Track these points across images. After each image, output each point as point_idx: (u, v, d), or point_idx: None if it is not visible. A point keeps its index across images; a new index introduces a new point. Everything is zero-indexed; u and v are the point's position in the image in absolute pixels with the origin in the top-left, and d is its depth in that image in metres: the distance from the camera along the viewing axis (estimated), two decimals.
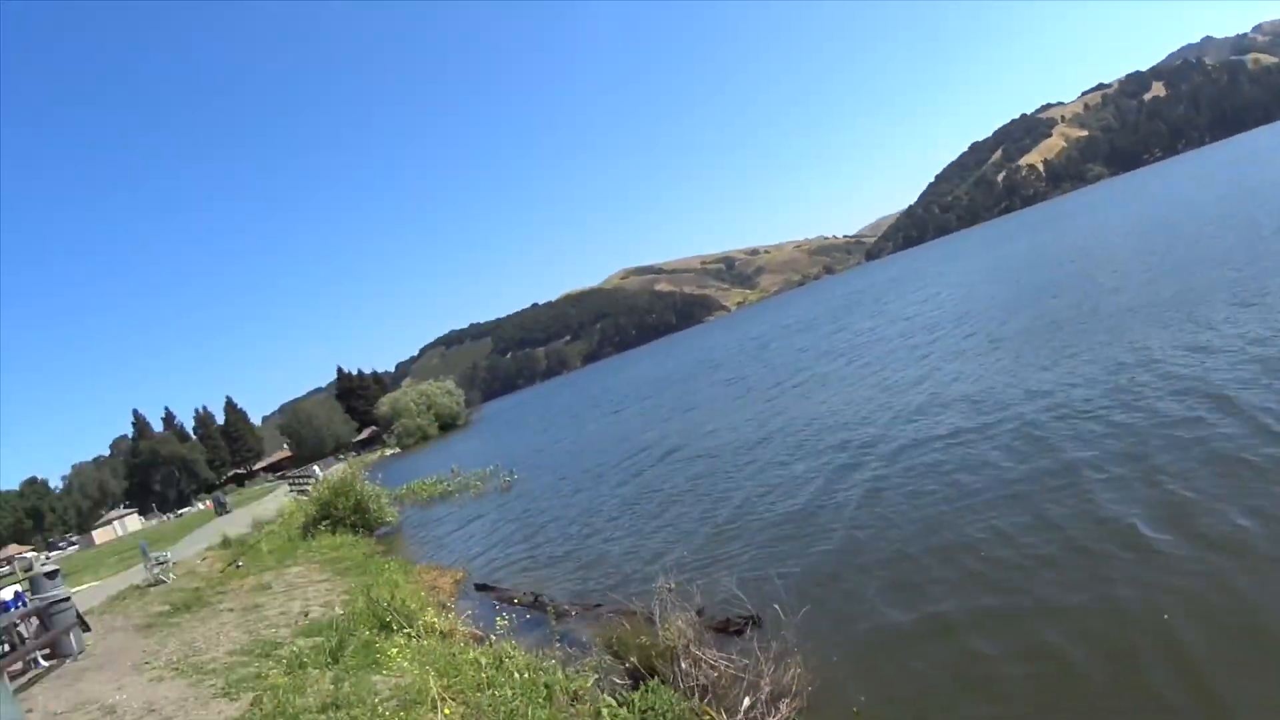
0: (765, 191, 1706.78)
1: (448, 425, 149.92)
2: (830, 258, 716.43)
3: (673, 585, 12.80)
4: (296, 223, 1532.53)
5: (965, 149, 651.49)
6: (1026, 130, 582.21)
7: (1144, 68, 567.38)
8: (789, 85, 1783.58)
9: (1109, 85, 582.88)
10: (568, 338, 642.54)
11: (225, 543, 36.56)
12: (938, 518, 15.14)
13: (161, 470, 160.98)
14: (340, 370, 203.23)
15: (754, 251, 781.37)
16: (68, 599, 18.02)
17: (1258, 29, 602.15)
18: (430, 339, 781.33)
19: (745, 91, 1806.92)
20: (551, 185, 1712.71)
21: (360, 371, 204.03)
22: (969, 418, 21.52)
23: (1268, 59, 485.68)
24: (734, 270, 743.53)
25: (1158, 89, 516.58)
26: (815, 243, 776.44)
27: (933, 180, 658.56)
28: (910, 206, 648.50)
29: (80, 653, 17.33)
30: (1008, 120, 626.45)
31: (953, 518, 14.85)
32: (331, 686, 11.94)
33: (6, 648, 16.78)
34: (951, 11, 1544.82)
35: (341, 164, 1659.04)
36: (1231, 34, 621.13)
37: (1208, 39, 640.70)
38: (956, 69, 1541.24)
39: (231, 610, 20.84)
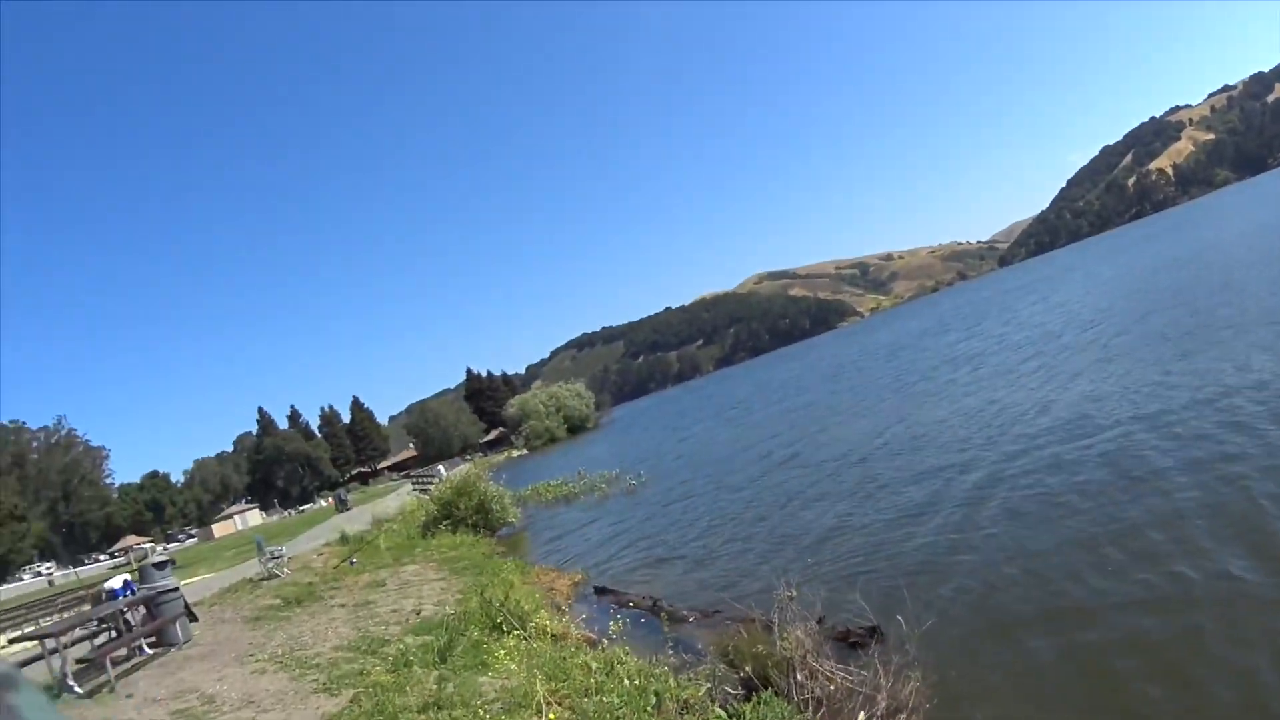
0: (899, 196, 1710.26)
1: (576, 428, 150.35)
2: (964, 263, 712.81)
3: (794, 593, 12.29)
4: (431, 224, 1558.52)
5: (1096, 153, 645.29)
6: (1156, 133, 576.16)
7: (1267, 68, 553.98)
8: (922, 87, 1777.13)
9: (1234, 87, 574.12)
10: (700, 342, 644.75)
11: (343, 539, 36.92)
12: (1075, 537, 14.41)
13: (285, 467, 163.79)
14: (469, 371, 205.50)
15: (887, 257, 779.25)
16: (176, 589, 18.21)
17: None
18: (561, 342, 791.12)
19: (880, 94, 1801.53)
20: (688, 189, 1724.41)
21: (489, 373, 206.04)
22: (1104, 432, 20.55)
23: None
24: (868, 276, 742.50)
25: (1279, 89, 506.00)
26: (948, 248, 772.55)
27: (1064, 185, 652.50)
28: (1043, 212, 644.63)
29: (186, 642, 17.54)
30: (1137, 123, 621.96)
31: (1092, 538, 14.08)
32: (435, 686, 11.69)
33: (114, 634, 17.13)
34: (1081, 11, 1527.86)
35: (481, 165, 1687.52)
36: None
37: None
38: (1087, 70, 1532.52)
39: (343, 606, 20.89)
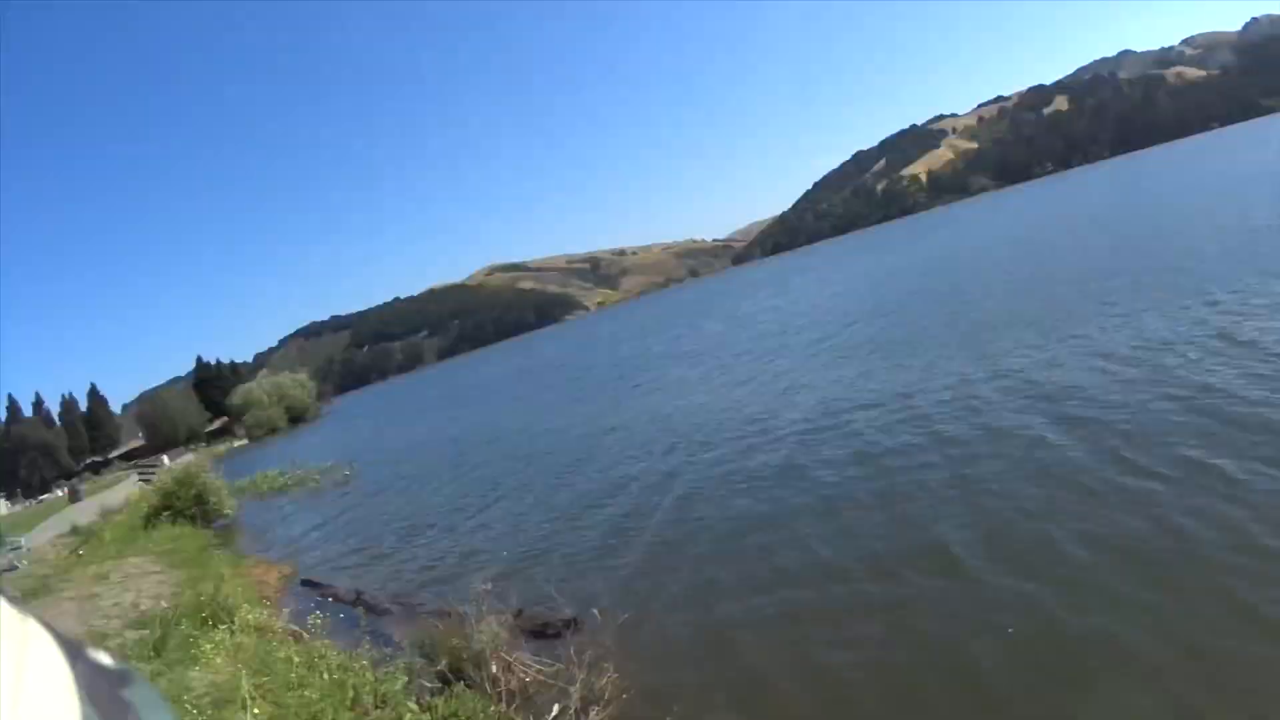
0: (638, 192, 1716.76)
1: (298, 418, 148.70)
2: (697, 261, 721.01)
3: (488, 586, 12.80)
4: (167, 201, 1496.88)
5: (848, 157, 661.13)
6: (914, 141, 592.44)
7: (1049, 81, 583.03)
8: (664, 85, 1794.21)
9: (1008, 98, 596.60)
10: (425, 333, 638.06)
11: (74, 530, 36.16)
12: (764, 528, 15.21)
13: (28, 455, 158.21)
14: (200, 359, 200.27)
15: (620, 252, 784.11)
16: None
17: (1188, 42, 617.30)
18: (291, 330, 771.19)
19: (619, 90, 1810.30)
20: (425, 180, 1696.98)
21: (219, 361, 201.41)
22: (804, 426, 21.94)
23: (1193, 73, 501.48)
24: (599, 270, 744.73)
25: (1060, 103, 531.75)
26: (683, 245, 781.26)
27: (810, 187, 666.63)
28: (784, 213, 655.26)
29: None
30: (896, 131, 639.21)
31: (780, 530, 14.88)
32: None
33: None
34: (842, 18, 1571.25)
35: (213, 150, 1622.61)
36: (1156, 47, 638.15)
37: (1126, 53, 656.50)
38: (848, 77, 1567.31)
39: (71, 599, 20.83)
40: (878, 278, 68.30)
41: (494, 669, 10.97)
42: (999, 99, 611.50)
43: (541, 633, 12.90)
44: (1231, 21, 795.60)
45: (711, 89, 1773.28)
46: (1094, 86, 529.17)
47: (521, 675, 11.14)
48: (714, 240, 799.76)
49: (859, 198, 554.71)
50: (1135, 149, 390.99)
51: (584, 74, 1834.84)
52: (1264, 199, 43.79)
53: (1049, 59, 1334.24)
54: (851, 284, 69.11)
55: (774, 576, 12.97)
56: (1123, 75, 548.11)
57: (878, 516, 14.18)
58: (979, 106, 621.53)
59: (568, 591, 13.82)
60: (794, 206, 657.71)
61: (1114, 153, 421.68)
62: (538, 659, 11.53)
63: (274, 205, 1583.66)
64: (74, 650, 0.81)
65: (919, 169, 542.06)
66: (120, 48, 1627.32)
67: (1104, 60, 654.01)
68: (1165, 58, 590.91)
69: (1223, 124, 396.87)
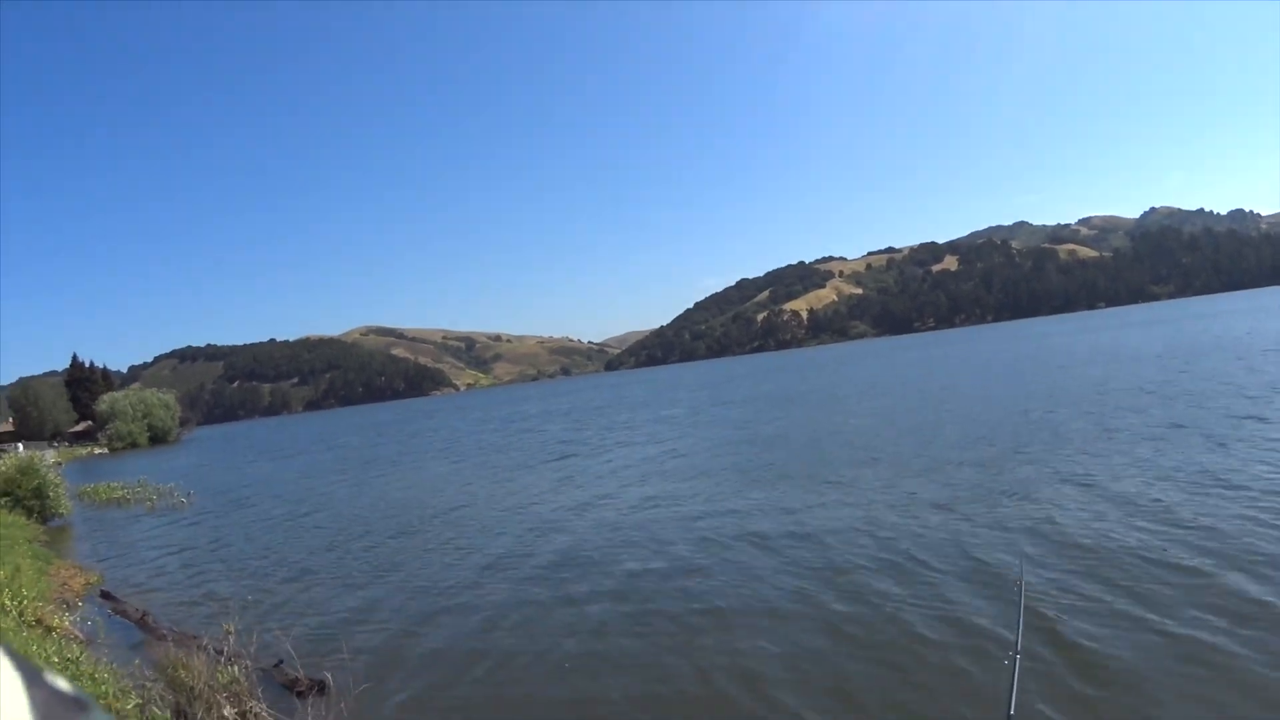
0: (521, 281, 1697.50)
1: (158, 438, 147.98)
2: (570, 359, 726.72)
3: (232, 629, 13.64)
4: (64, 197, 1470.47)
5: (733, 283, 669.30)
6: (800, 277, 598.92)
7: (941, 240, 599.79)
8: (558, 185, 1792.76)
9: (899, 250, 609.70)
10: (295, 380, 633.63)
11: None
12: (536, 622, 15.71)
13: None
14: (75, 358, 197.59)
15: (497, 338, 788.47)
16: None
17: (1085, 221, 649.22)
18: (168, 349, 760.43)
19: (520, 180, 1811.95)
20: (316, 222, 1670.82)
21: (93, 364, 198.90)
22: (587, 534, 23.13)
23: (1087, 252, 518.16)
24: (473, 351, 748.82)
25: (950, 262, 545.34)
26: (560, 342, 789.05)
27: (691, 306, 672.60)
28: (662, 327, 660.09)
29: None
30: (785, 264, 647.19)
31: (549, 625, 15.46)
32: None
33: None
34: (743, 149, 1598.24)
35: (118, 154, 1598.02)
36: (1053, 222, 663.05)
37: (1022, 223, 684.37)
38: (740, 207, 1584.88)
39: None
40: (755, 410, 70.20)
41: (225, 711, 11.34)
42: (890, 249, 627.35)
43: (291, 688, 13.14)
44: (1131, 209, 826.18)
45: (607, 195, 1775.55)
46: (986, 251, 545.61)
47: None
48: (589, 342, 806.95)
49: (738, 324, 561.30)
50: (1018, 316, 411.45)
51: (480, 156, 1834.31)
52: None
53: (945, 220, 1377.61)
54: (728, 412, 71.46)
55: (532, 673, 13.38)
56: (1016, 244, 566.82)
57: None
58: (869, 254, 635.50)
59: (321, 650, 14.64)
60: (673, 322, 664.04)
61: (997, 317, 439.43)
62: (273, 711, 11.84)
63: (168, 219, 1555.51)
64: (31, 675, 0.80)
65: (801, 305, 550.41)
66: None
67: (999, 228, 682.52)
68: (1060, 233, 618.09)
69: (1110, 304, 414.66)
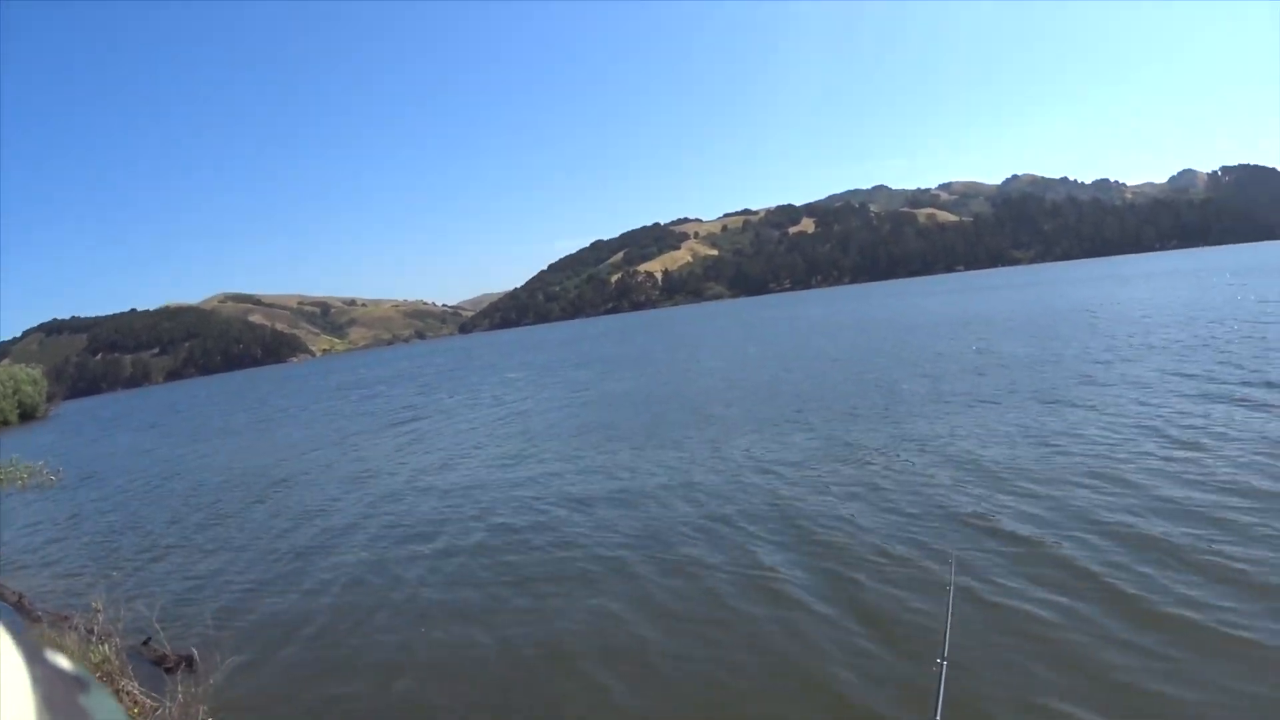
0: (374, 244, 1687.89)
1: (28, 414, 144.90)
2: (424, 323, 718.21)
3: (99, 606, 13.70)
4: None
5: (588, 244, 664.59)
6: (655, 239, 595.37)
7: (799, 202, 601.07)
8: (414, 146, 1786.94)
9: (755, 212, 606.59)
10: (156, 350, 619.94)
11: None
12: (403, 598, 15.81)
13: None
14: None
15: (351, 302, 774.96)
16: None
17: (945, 186, 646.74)
18: (35, 323, 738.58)
19: (376, 139, 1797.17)
20: (171, 185, 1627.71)
21: None
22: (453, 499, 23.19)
23: (946, 216, 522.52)
24: (328, 316, 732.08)
25: (807, 225, 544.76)
26: (413, 305, 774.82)
27: (545, 268, 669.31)
28: (516, 290, 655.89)
29: None
30: (639, 226, 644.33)
31: (417, 599, 15.57)
32: None
33: None
34: (604, 109, 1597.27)
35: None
36: (913, 187, 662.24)
37: (880, 187, 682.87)
38: (597, 166, 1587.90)
39: None
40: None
41: None
42: (746, 211, 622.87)
43: (160, 664, 13.16)
44: (994, 176, 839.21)
45: (457, 153, 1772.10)
46: (844, 213, 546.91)
47: (130, 705, 11.35)
48: (444, 305, 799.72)
49: (592, 286, 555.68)
50: (875, 279, 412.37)
51: (330, 116, 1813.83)
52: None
53: (803, 183, 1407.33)
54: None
55: (391, 641, 13.70)
56: (874, 207, 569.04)
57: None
58: (725, 216, 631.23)
59: (193, 626, 14.86)
60: (526, 285, 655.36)
61: (854, 279, 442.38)
62: (143, 689, 11.78)
63: (32, 189, 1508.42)
64: (32, 653, 0.79)
65: (656, 267, 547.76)
66: None
67: (858, 191, 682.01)
68: (920, 198, 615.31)
69: (969, 268, 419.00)
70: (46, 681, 0.83)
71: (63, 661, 0.90)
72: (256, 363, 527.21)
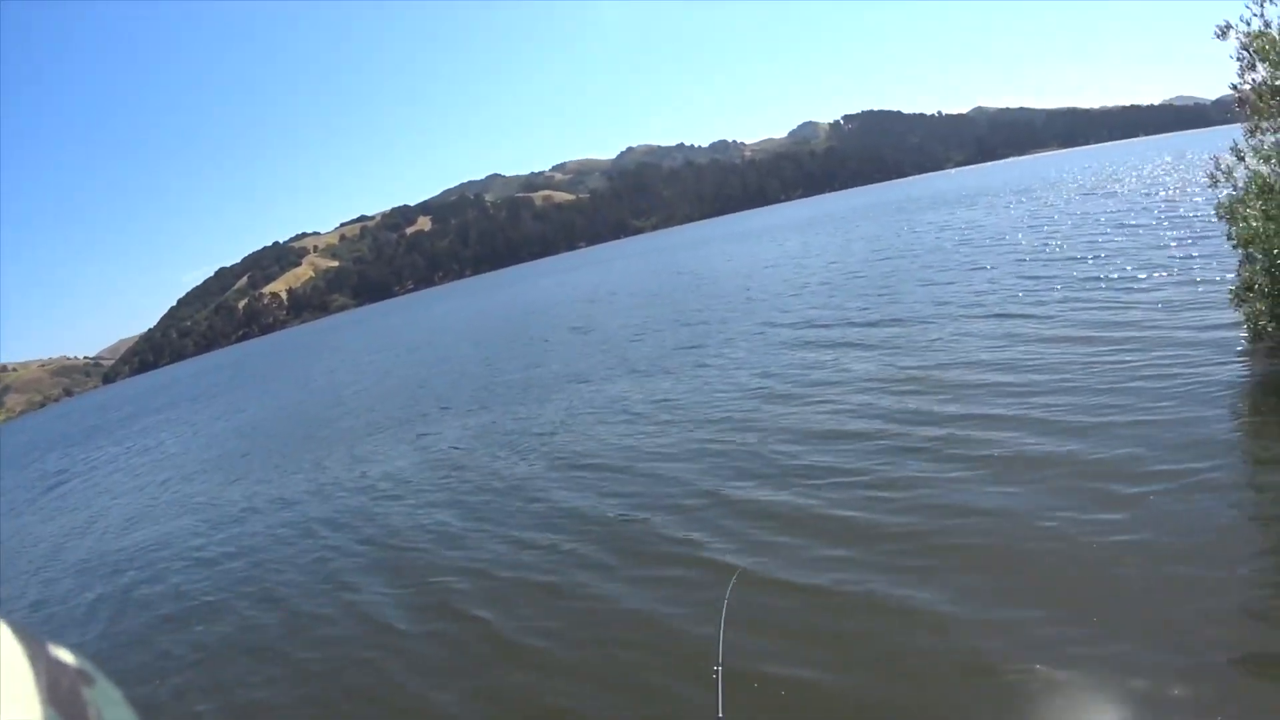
0: (24, 300, 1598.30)
1: None
2: (71, 379, 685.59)
3: None
4: None
5: (212, 274, 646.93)
6: (277, 258, 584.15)
7: (413, 202, 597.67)
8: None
9: (371, 218, 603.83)
10: None
11: None
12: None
13: None
14: None
15: (3, 369, 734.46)
16: None
17: (559, 167, 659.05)
18: None
19: None
20: None
21: None
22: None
23: (563, 196, 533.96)
24: None
25: (424, 223, 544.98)
26: (59, 362, 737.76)
27: (175, 304, 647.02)
28: (150, 330, 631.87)
29: None
30: (260, 247, 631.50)
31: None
32: None
33: None
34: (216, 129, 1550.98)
35: None
36: (526, 172, 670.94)
37: (495, 176, 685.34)
38: (215, 190, 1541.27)
39: None
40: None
41: None
42: (362, 218, 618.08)
43: None
44: (608, 151, 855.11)
45: (71, 183, 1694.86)
46: (459, 207, 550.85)
47: None
48: (85, 358, 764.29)
49: (221, 315, 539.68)
50: (498, 267, 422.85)
51: None
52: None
53: (417, 183, 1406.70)
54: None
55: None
56: (489, 196, 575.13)
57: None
58: (342, 225, 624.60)
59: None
60: (159, 323, 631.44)
61: (476, 270, 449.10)
62: None
63: None
64: (35, 647, 0.75)
65: (280, 287, 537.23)
66: None
67: (471, 183, 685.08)
68: (534, 181, 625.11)
69: (590, 242, 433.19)
70: (50, 675, 0.73)
71: (66, 655, 0.78)
72: None
